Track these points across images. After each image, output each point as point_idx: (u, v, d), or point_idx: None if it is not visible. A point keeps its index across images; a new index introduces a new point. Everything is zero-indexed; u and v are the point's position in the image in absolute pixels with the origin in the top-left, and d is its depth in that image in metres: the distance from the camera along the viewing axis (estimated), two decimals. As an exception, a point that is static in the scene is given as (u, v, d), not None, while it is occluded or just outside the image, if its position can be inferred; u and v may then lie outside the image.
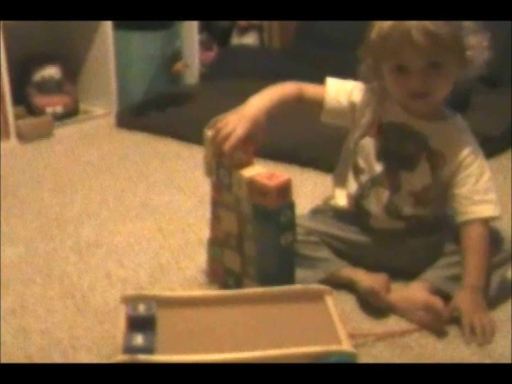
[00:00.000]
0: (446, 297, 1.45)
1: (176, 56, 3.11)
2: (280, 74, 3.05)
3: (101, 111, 2.89)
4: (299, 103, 1.53)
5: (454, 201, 1.52)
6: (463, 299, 1.43)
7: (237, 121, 1.44)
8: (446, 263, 1.50)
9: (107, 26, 2.79)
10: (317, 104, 1.54)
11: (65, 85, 2.85)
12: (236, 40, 3.51)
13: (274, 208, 1.39)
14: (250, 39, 3.51)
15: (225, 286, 1.53)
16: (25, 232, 1.87)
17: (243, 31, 3.51)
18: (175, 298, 1.38)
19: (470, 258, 1.46)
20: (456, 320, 1.43)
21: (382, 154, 1.53)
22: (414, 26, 1.37)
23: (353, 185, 1.58)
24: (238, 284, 1.50)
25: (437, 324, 1.41)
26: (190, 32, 3.18)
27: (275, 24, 3.61)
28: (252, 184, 1.41)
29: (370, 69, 1.49)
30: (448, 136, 1.50)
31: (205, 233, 1.69)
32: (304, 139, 2.40)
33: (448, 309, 1.42)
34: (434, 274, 1.50)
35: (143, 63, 2.99)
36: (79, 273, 1.66)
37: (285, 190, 1.40)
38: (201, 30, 3.30)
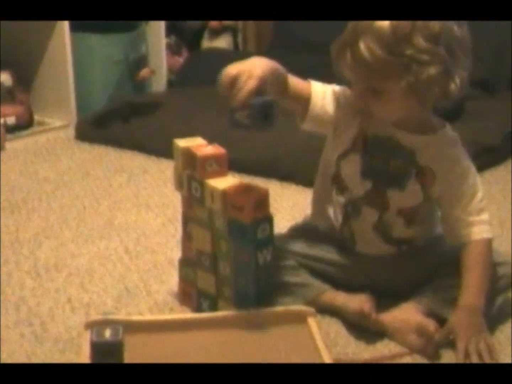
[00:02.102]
0: (441, 321, 1.49)
1: (141, 61, 3.15)
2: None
3: (59, 123, 2.92)
4: (284, 91, 1.51)
5: (446, 222, 1.56)
6: (459, 321, 1.46)
7: (250, 69, 1.39)
8: (441, 286, 1.54)
9: (64, 27, 2.82)
10: (300, 103, 1.54)
11: (17, 94, 2.87)
12: (207, 43, 3.56)
13: (251, 223, 1.43)
14: (222, 42, 3.57)
15: (198, 309, 1.57)
16: (-24, 255, 1.89)
17: (215, 33, 3.56)
18: (144, 323, 1.42)
19: (468, 276, 1.50)
20: (451, 344, 1.46)
21: (368, 172, 1.56)
22: (358, 47, 1.41)
23: (334, 207, 1.62)
24: (213, 307, 1.54)
25: (430, 349, 1.45)
26: (157, 35, 3.22)
27: (250, 25, 3.66)
28: (227, 197, 1.46)
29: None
30: (437, 150, 1.53)
31: (176, 253, 1.73)
32: (283, 151, 2.45)
33: (442, 332, 1.46)
34: (428, 296, 1.54)
35: (104, 69, 3.03)
36: (37, 298, 1.68)
37: (262, 203, 1.45)
38: (169, 32, 3.35)
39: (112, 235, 2.01)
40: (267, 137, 2.44)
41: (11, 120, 2.80)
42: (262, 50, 3.52)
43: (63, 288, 1.73)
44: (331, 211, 1.62)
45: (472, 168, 1.55)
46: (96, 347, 1.30)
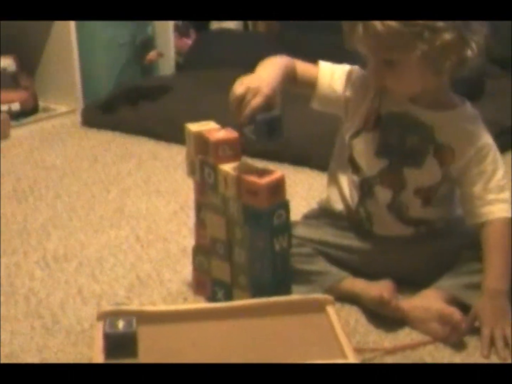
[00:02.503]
0: (464, 308, 1.48)
1: (148, 44, 3.14)
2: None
3: (64, 108, 2.92)
4: (292, 80, 1.54)
5: (465, 201, 1.55)
6: (484, 306, 1.46)
7: (257, 86, 1.41)
8: (464, 271, 1.53)
9: (68, 10, 2.81)
10: (309, 86, 1.57)
11: (21, 79, 2.87)
12: (216, 24, 3.55)
13: (266, 208, 1.42)
14: (232, 23, 3.55)
15: (213, 299, 1.56)
16: (-17, 246, 1.89)
17: (224, 14, 3.54)
18: (157, 313, 1.41)
19: (491, 259, 1.48)
20: (476, 331, 1.45)
21: (383, 150, 1.56)
22: (369, 21, 1.42)
23: (350, 186, 1.61)
24: (228, 296, 1.53)
25: (454, 337, 1.44)
26: (164, 16, 3.21)
27: (259, 5, 3.64)
28: (241, 183, 1.45)
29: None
30: (457, 127, 1.53)
31: (189, 241, 1.73)
32: (296, 134, 2.43)
33: (467, 319, 1.45)
34: (450, 281, 1.53)
35: (110, 53, 3.02)
36: (47, 290, 1.68)
37: (277, 188, 1.44)
38: (176, 13, 3.33)
39: (122, 224, 2.01)
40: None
41: (15, 107, 2.81)
42: (272, 30, 3.51)
43: (73, 278, 1.73)
44: (347, 192, 1.62)
45: (493, 145, 1.54)
46: (110, 339, 1.29)
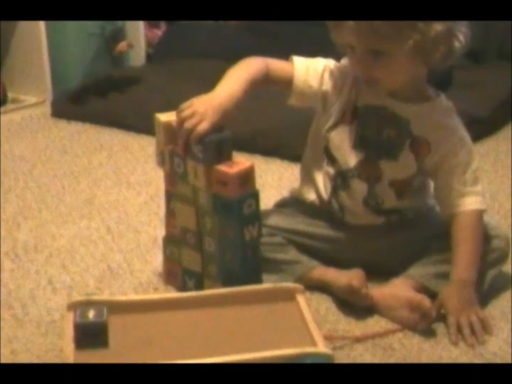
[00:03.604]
0: (433, 296, 1.50)
1: (118, 34, 3.14)
2: (239, 53, 3.08)
3: (34, 99, 2.91)
4: (266, 82, 1.56)
5: (439, 192, 1.58)
6: (450, 294, 1.48)
7: (204, 110, 1.45)
8: (433, 260, 1.56)
9: (37, -1, 2.79)
10: (285, 84, 1.57)
11: (-11, 70, 2.86)
12: (186, 15, 3.55)
13: (236, 198, 1.44)
14: (202, 13, 3.55)
15: (184, 288, 1.57)
16: (-49, 238, 1.89)
17: (195, 4, 3.54)
18: (128, 303, 1.41)
19: (459, 249, 1.51)
20: (443, 318, 1.48)
21: (360, 142, 1.57)
22: None
23: (324, 178, 1.62)
24: (199, 286, 1.54)
25: (423, 324, 1.46)
26: (134, 6, 3.20)
27: (231, -5, 3.64)
28: (211, 172, 1.46)
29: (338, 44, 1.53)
30: (433, 121, 1.54)
31: (160, 231, 1.74)
32: (266, 125, 2.45)
33: (435, 307, 1.47)
34: (419, 271, 1.55)
35: (80, 43, 3.02)
36: (16, 281, 1.68)
37: (247, 177, 1.45)
38: (146, 4, 3.33)
39: (93, 215, 2.01)
40: (250, 111, 2.45)
41: (-17, 98, 2.79)
42: (243, 21, 3.51)
43: (43, 269, 1.73)
44: (320, 183, 1.63)
45: (467, 138, 1.57)
46: (80, 329, 1.30)
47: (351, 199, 1.60)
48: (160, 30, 3.42)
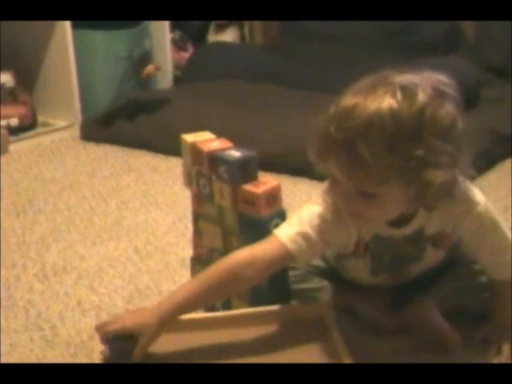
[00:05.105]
0: (458, 309, 1.51)
1: (145, 57, 3.16)
2: (264, 73, 3.14)
3: (63, 123, 2.93)
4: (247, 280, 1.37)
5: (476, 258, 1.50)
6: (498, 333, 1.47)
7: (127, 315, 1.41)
8: (456, 274, 1.55)
9: (65, 25, 2.82)
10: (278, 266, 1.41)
11: (19, 94, 2.88)
12: (213, 37, 3.57)
13: (263, 217, 1.44)
14: (229, 36, 3.57)
15: (211, 308, 1.57)
16: (-18, 260, 1.90)
17: (221, 27, 3.56)
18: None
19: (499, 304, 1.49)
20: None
21: (378, 270, 1.48)
22: (356, 146, 1.22)
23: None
24: (226, 306, 1.54)
25: (447, 350, 1.45)
26: (161, 30, 3.23)
27: (257, 17, 3.67)
28: (237, 192, 1.46)
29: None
30: (445, 215, 1.40)
31: (187, 252, 1.74)
32: (295, 144, 2.45)
33: (457, 334, 1.45)
34: (445, 286, 1.54)
35: (108, 67, 3.04)
36: (46, 302, 1.70)
37: (274, 197, 1.45)
38: (173, 27, 3.35)
39: (121, 236, 2.02)
40: (278, 131, 2.45)
41: (14, 122, 2.82)
42: (269, 42, 3.53)
43: (72, 290, 1.74)
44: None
45: (486, 205, 1.41)
46: (112, 346, 1.31)
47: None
48: (187, 52, 3.44)
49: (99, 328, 1.36)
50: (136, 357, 1.30)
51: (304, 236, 1.37)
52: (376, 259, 1.46)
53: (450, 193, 1.31)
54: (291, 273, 1.55)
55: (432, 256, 1.48)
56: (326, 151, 1.28)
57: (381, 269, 1.48)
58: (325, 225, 1.38)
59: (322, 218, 1.38)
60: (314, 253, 1.44)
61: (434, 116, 1.24)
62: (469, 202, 1.39)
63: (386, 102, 1.23)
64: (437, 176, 1.25)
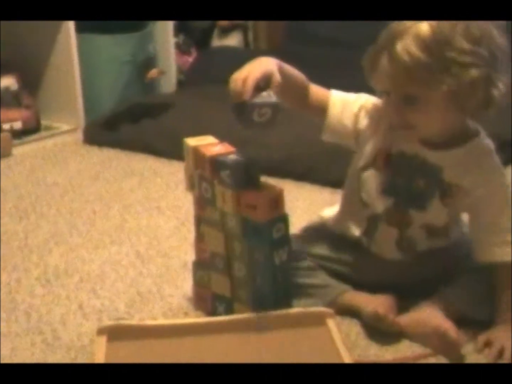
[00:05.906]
0: (463, 317, 1.49)
1: (149, 61, 3.16)
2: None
3: (66, 127, 2.93)
4: (299, 98, 1.53)
5: (474, 233, 1.54)
6: (502, 335, 1.46)
7: (251, 66, 1.41)
8: (465, 280, 1.54)
9: (70, 28, 2.83)
10: (319, 112, 1.55)
11: (23, 98, 2.89)
12: (217, 41, 3.57)
13: (265, 222, 1.43)
14: (233, 40, 3.57)
15: (214, 313, 1.57)
16: (-16, 263, 1.90)
17: (225, 31, 3.57)
18: (158, 328, 1.41)
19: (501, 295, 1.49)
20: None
21: (389, 190, 1.54)
22: (396, 50, 1.38)
23: (360, 215, 1.60)
24: (229, 311, 1.53)
25: (452, 353, 1.44)
26: (165, 34, 3.23)
27: (260, 22, 3.67)
28: (239, 197, 1.45)
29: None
30: (468, 165, 1.49)
31: (190, 256, 1.73)
32: (297, 150, 2.45)
33: (463, 337, 1.45)
34: (451, 292, 1.53)
35: (112, 71, 3.04)
36: (47, 305, 1.69)
37: (276, 201, 1.45)
38: (177, 32, 3.36)
39: (123, 240, 2.02)
40: (282, 136, 2.45)
41: (17, 125, 2.82)
42: (273, 47, 3.53)
43: (74, 294, 1.73)
44: (355, 220, 1.61)
45: (505, 180, 1.51)
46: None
47: (384, 242, 1.58)
48: (191, 56, 3.44)
49: (236, 83, 1.38)
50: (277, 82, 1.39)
51: (349, 103, 1.54)
52: (393, 175, 1.53)
53: (489, 103, 1.40)
54: (298, 264, 1.56)
55: (435, 211, 1.51)
56: (374, 58, 1.43)
57: (392, 189, 1.53)
58: (366, 111, 1.53)
59: (368, 105, 1.54)
60: (342, 127, 1.54)
61: (467, 26, 1.38)
62: (496, 171, 1.50)
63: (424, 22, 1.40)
64: (472, 75, 1.36)
